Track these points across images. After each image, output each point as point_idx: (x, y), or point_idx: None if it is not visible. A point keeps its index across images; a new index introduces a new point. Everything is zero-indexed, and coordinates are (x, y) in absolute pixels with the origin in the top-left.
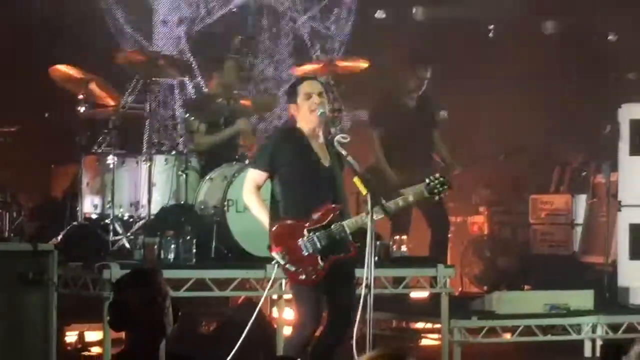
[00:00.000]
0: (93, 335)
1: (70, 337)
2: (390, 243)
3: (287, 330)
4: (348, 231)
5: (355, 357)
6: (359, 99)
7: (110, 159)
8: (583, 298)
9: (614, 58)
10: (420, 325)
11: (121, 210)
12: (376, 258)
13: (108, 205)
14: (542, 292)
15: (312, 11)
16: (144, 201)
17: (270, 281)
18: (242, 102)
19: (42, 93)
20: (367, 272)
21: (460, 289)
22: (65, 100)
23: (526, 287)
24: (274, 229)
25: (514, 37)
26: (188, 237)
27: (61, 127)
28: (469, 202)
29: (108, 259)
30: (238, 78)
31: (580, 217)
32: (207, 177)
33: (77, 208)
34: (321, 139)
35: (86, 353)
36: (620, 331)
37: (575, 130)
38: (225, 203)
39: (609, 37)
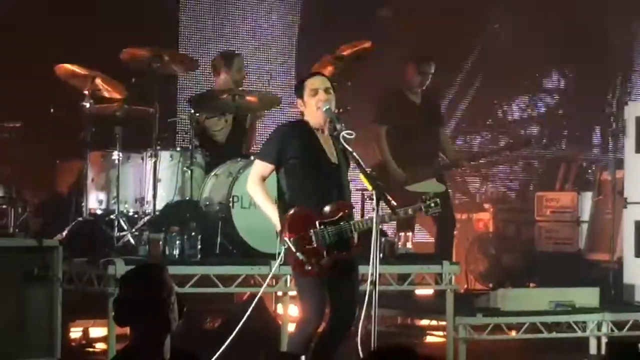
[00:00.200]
0: (97, 331)
1: (75, 333)
2: (396, 240)
3: (292, 327)
4: (356, 232)
5: (360, 354)
6: (365, 95)
7: (116, 155)
8: (588, 295)
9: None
10: (425, 322)
11: (126, 206)
12: (381, 255)
13: (113, 201)
14: (547, 289)
15: None
16: (149, 197)
17: (271, 274)
18: (247, 98)
19: (47, 88)
20: (372, 269)
21: (465, 286)
22: (70, 96)
23: (531, 284)
24: (290, 214)
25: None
26: (193, 234)
27: (66, 123)
28: (474, 199)
29: (113, 254)
30: (244, 75)
31: (586, 214)
32: (212, 174)
33: (82, 204)
34: (327, 135)
35: (90, 349)
36: (625, 329)
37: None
38: (231, 199)
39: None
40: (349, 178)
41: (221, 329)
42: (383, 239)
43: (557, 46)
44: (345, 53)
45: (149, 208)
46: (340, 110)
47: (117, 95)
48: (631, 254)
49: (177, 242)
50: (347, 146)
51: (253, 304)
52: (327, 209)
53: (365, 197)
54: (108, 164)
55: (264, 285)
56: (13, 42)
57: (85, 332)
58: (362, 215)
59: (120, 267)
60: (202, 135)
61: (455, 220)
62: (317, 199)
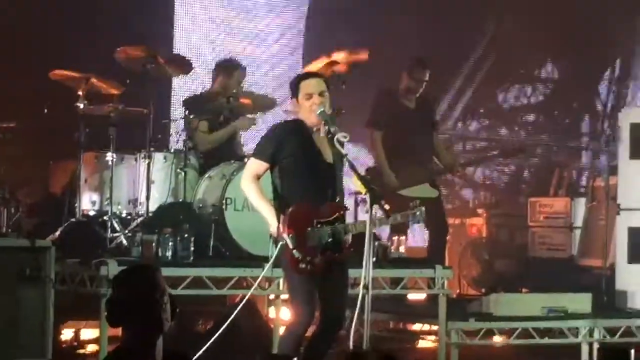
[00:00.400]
0: (89, 333)
1: (66, 334)
2: (389, 244)
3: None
4: (348, 233)
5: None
6: (360, 99)
7: (109, 156)
8: (581, 301)
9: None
10: (417, 326)
11: (119, 207)
12: (374, 258)
13: (106, 202)
14: (539, 294)
15: None
16: (142, 198)
17: (262, 274)
18: (242, 100)
19: (41, 89)
20: (365, 272)
21: (457, 290)
22: (64, 97)
23: (524, 289)
24: (290, 210)
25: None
26: (186, 235)
27: (60, 124)
28: (467, 204)
29: (106, 256)
30: (240, 86)
31: (579, 220)
32: (206, 175)
33: (75, 204)
34: (323, 135)
35: (82, 350)
36: (617, 335)
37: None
38: (224, 201)
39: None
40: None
41: (213, 331)
42: (376, 243)
43: (555, 37)
44: (340, 60)
45: (142, 209)
46: (335, 112)
47: (113, 91)
48: (624, 260)
49: (170, 243)
50: (341, 149)
51: (241, 304)
52: (323, 208)
53: (359, 200)
54: (101, 165)
55: (255, 285)
56: (7, 43)
57: (77, 334)
58: (355, 219)
59: (112, 268)
60: (195, 137)
61: (447, 225)
62: (312, 198)
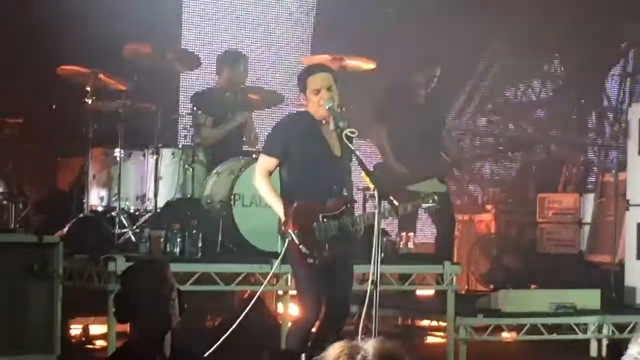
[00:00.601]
0: (97, 328)
1: (75, 330)
2: (397, 240)
3: None
4: (357, 226)
5: None
6: (369, 94)
7: (117, 152)
8: (589, 297)
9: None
10: (425, 322)
11: (127, 203)
12: (383, 254)
13: (114, 198)
14: (548, 290)
15: None
16: (151, 194)
17: (270, 273)
18: (250, 95)
19: (48, 84)
20: (373, 268)
21: (466, 287)
22: (72, 92)
23: (532, 285)
24: (294, 206)
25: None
26: (194, 231)
27: (68, 119)
28: (476, 200)
29: (113, 251)
30: (247, 76)
31: (588, 216)
32: (214, 171)
33: (83, 200)
34: (332, 128)
35: (90, 346)
36: (626, 331)
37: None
38: (232, 197)
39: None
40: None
41: (221, 327)
42: (384, 239)
43: (564, 31)
44: (346, 65)
45: (150, 205)
46: (343, 109)
47: (122, 87)
48: (633, 256)
49: (178, 239)
50: (349, 144)
51: (252, 302)
52: (330, 202)
53: (367, 196)
54: (110, 161)
55: (264, 283)
56: (14, 38)
57: (85, 329)
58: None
59: (120, 264)
60: (203, 132)
61: (455, 221)
62: (318, 192)
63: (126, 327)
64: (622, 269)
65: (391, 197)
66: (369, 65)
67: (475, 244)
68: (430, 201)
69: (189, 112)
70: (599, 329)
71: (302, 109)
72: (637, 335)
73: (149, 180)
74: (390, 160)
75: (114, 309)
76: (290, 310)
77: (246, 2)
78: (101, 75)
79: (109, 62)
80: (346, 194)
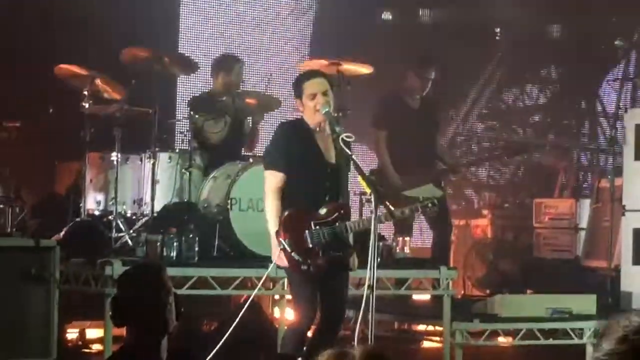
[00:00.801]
0: (94, 332)
1: (72, 334)
2: (394, 244)
3: None
4: (351, 232)
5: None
6: (365, 99)
7: (114, 156)
8: (585, 302)
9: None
10: (422, 327)
11: (124, 207)
12: (379, 259)
13: (111, 202)
14: (544, 295)
15: None
16: (147, 199)
17: (265, 275)
18: (247, 100)
19: (46, 89)
20: (369, 273)
21: (462, 291)
22: (69, 96)
23: (529, 290)
24: (285, 215)
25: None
26: (191, 235)
27: (65, 123)
28: (472, 205)
29: (110, 255)
30: (241, 80)
31: (584, 221)
32: (211, 176)
33: (80, 204)
34: (327, 135)
35: (87, 350)
36: None
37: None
38: (229, 202)
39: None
40: (348, 179)
41: (218, 331)
42: (381, 244)
43: (560, 37)
44: (344, 70)
45: (147, 209)
46: (340, 114)
47: (116, 96)
48: (629, 261)
49: (175, 243)
50: (346, 149)
51: (246, 305)
52: (323, 209)
53: (364, 200)
54: (106, 164)
55: (258, 285)
56: (12, 42)
57: (82, 333)
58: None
59: (117, 268)
60: (200, 137)
61: (451, 226)
62: (311, 200)
63: (123, 331)
64: (618, 274)
65: (387, 202)
66: (366, 70)
67: (472, 249)
68: (430, 205)
69: (186, 116)
70: (595, 334)
71: (298, 115)
72: (609, 331)
73: (145, 185)
74: (387, 165)
75: (110, 313)
76: (286, 315)
77: (243, 6)
78: (98, 81)
79: (107, 67)
80: (341, 200)
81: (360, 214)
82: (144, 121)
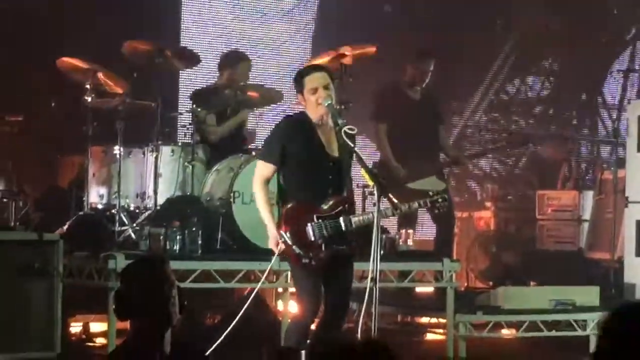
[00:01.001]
0: (97, 326)
1: (75, 327)
2: (397, 237)
3: None
4: (354, 226)
5: None
6: (365, 92)
7: (117, 150)
8: (589, 294)
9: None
10: (425, 319)
11: (127, 200)
12: (382, 252)
13: (114, 196)
14: (547, 287)
15: None
16: (150, 192)
17: (268, 269)
18: (249, 93)
19: (48, 82)
20: (373, 266)
21: (465, 284)
22: (71, 90)
23: (532, 282)
24: (287, 208)
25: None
26: (194, 229)
27: (68, 117)
28: (475, 197)
29: (113, 249)
30: (248, 78)
31: (587, 213)
32: (214, 169)
33: (83, 198)
34: (330, 128)
35: (91, 343)
36: None
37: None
38: (232, 195)
39: None
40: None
41: (221, 325)
42: (384, 236)
43: (563, 28)
44: (348, 53)
45: (150, 203)
46: (342, 107)
47: (118, 90)
48: (632, 253)
49: (178, 237)
50: (348, 142)
51: (250, 298)
52: (326, 203)
53: (367, 193)
54: (109, 158)
55: (262, 278)
56: (14, 36)
57: (86, 327)
58: (363, 211)
59: (120, 262)
60: (202, 130)
61: (454, 218)
62: (314, 194)
63: (126, 325)
64: (621, 265)
65: (390, 195)
66: (371, 49)
67: (475, 241)
68: (441, 200)
69: (189, 109)
70: (599, 325)
71: (300, 109)
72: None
73: (148, 178)
74: (389, 158)
75: (114, 307)
76: (290, 308)
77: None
78: (100, 75)
79: (109, 60)
80: (344, 194)
81: (363, 207)
82: (146, 114)
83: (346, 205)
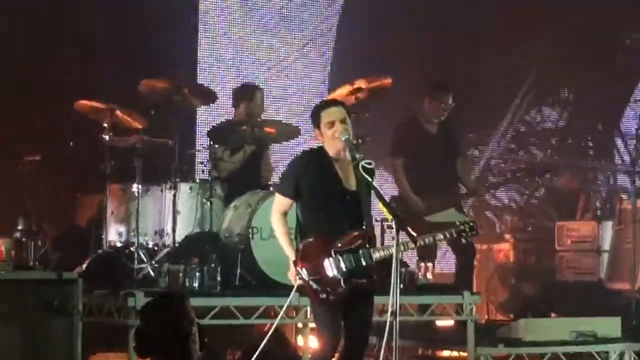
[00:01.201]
0: None
1: None
2: (416, 270)
3: None
4: (374, 259)
5: None
6: (384, 126)
7: (135, 187)
8: (610, 325)
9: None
10: (446, 353)
11: (146, 238)
12: (402, 285)
13: (133, 234)
14: (568, 319)
15: None
16: (169, 229)
17: (286, 304)
18: (266, 129)
19: (66, 121)
20: (392, 299)
21: (486, 316)
22: (89, 129)
23: (552, 314)
24: (304, 244)
25: None
26: (213, 265)
27: (86, 156)
28: (494, 230)
29: (133, 287)
30: (264, 108)
31: (606, 243)
32: (232, 205)
33: (102, 236)
34: (348, 162)
35: None
36: None
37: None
38: (250, 230)
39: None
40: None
41: None
42: (403, 270)
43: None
44: (363, 86)
45: (168, 240)
46: (360, 141)
47: (137, 125)
48: None
49: (197, 273)
50: (366, 175)
51: (269, 334)
52: (344, 237)
53: (385, 227)
54: (127, 196)
55: (281, 314)
56: (31, 75)
57: None
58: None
59: (140, 299)
60: (220, 167)
61: (475, 250)
62: (331, 228)
63: None
64: None
65: (409, 228)
66: (387, 82)
67: (494, 273)
68: (469, 229)
69: (206, 146)
70: (621, 356)
71: (318, 143)
72: None
73: (167, 215)
74: (407, 192)
75: (134, 344)
76: (310, 343)
77: (261, 34)
78: (118, 112)
79: (126, 99)
80: (364, 227)
81: (382, 241)
82: (164, 152)
83: (366, 239)
